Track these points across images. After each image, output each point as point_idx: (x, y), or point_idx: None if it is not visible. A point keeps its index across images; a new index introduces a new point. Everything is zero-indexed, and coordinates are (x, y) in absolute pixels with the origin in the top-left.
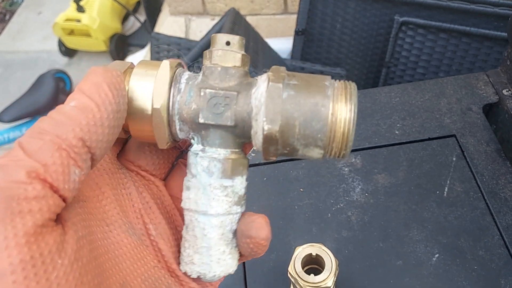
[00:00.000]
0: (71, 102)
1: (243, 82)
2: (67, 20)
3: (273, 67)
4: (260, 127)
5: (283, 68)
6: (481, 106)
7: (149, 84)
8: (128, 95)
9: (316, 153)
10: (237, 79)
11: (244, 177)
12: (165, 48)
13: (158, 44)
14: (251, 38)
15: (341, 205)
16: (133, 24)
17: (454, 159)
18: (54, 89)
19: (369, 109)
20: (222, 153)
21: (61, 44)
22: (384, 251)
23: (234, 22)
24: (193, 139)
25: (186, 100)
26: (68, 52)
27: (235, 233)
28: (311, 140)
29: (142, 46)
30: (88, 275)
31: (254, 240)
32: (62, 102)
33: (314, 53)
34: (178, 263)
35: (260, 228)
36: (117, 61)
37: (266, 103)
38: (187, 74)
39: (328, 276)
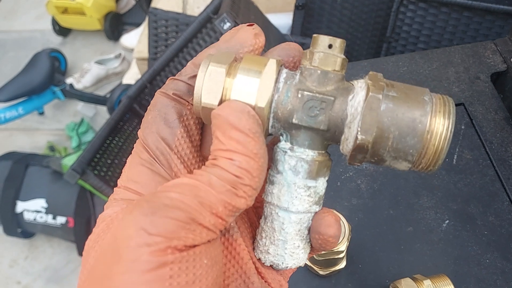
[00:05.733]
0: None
1: (340, 87)
2: None
3: (371, 73)
4: (353, 135)
5: (380, 76)
6: (489, 74)
7: (254, 81)
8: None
9: (403, 166)
10: (334, 84)
11: (326, 178)
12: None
13: (156, 20)
14: (251, 12)
15: (350, 173)
16: (128, 2)
17: (462, 127)
18: (50, 68)
19: None
20: (310, 154)
21: (55, 23)
22: (395, 218)
23: None
24: (282, 136)
25: (283, 99)
26: (62, 31)
27: (309, 229)
28: (401, 154)
29: (137, 25)
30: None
31: (323, 237)
32: (58, 82)
33: (314, 28)
34: (253, 249)
35: (329, 225)
36: (223, 52)
37: (364, 113)
38: (285, 72)
39: (341, 240)
